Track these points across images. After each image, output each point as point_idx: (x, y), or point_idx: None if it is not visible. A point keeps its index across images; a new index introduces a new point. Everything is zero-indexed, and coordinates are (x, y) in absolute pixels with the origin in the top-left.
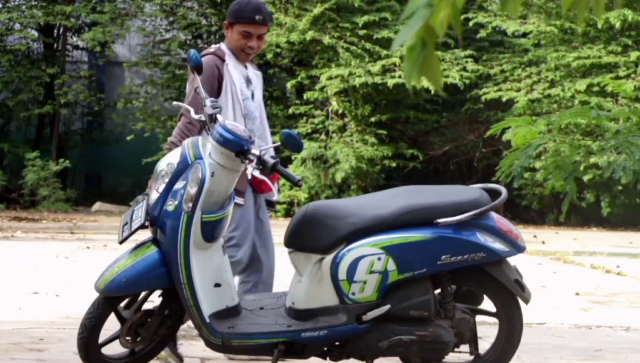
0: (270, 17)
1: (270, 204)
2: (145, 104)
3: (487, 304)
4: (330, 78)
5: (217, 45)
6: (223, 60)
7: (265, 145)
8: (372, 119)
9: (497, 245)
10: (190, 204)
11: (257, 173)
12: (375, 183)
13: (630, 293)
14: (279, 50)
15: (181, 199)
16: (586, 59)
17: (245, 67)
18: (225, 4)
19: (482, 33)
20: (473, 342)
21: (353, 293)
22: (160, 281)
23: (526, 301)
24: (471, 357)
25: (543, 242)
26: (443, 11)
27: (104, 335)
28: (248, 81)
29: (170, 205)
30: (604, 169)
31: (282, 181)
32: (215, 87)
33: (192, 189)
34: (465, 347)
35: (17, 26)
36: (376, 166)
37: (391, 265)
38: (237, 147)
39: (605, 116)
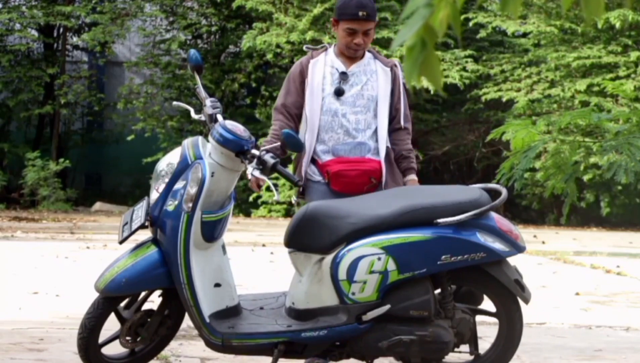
0: (375, 12)
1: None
2: (145, 104)
3: (487, 304)
4: None
5: (325, 45)
6: (307, 61)
7: (364, 141)
8: None
9: (497, 245)
10: (190, 204)
11: (257, 173)
12: None
13: (630, 293)
14: (279, 50)
15: (181, 199)
16: (586, 59)
17: (350, 62)
18: (225, 4)
19: (482, 33)
20: (473, 342)
21: (353, 293)
22: (160, 281)
23: (526, 301)
24: (471, 357)
25: (543, 242)
26: (443, 11)
27: (104, 335)
28: (343, 78)
29: (170, 205)
30: (604, 169)
31: (282, 181)
32: (300, 86)
33: (192, 189)
34: (465, 347)
35: (17, 26)
36: None
37: (391, 265)
38: (237, 147)
39: (605, 118)
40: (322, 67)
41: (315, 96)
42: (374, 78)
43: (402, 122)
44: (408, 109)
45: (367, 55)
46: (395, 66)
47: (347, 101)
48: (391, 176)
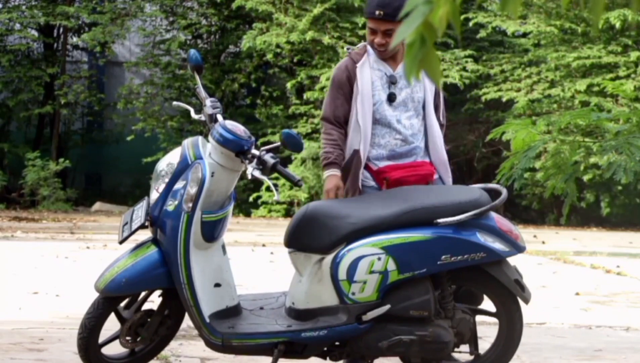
0: (397, 12)
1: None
2: (145, 104)
3: (487, 304)
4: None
5: (363, 44)
6: (355, 61)
7: (421, 155)
8: None
9: (497, 245)
10: (190, 204)
11: (257, 173)
12: None
13: (630, 293)
14: (279, 50)
15: (181, 199)
16: (586, 59)
17: (394, 63)
18: (225, 4)
19: (482, 33)
20: (473, 342)
21: (353, 293)
22: (160, 281)
23: (526, 301)
24: (471, 357)
25: (543, 242)
26: (442, 8)
27: (104, 335)
28: (392, 81)
29: (170, 205)
30: (604, 169)
31: (282, 181)
32: (348, 93)
33: (192, 189)
34: (465, 347)
35: (17, 26)
36: None
37: (391, 265)
38: (237, 147)
39: (605, 118)
40: (369, 72)
41: (366, 103)
42: (422, 77)
43: (442, 120)
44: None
45: None
46: None
47: (399, 105)
48: (446, 176)
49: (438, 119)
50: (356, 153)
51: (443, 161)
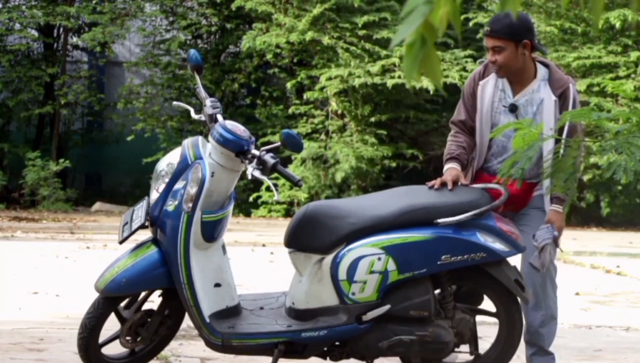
0: (508, 29)
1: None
2: (145, 104)
3: (487, 304)
4: (329, 78)
5: None
6: (479, 77)
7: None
8: (372, 119)
9: (497, 245)
10: (190, 204)
11: (257, 173)
12: (375, 183)
13: (630, 293)
14: (279, 50)
15: (181, 199)
16: (586, 59)
17: (518, 87)
18: (225, 4)
19: (482, 33)
20: (473, 342)
21: (353, 293)
22: (160, 281)
23: (526, 301)
24: (471, 357)
25: None
26: (443, 8)
27: (104, 335)
28: (511, 110)
29: (170, 205)
30: (603, 169)
31: (282, 181)
32: (471, 106)
33: (192, 189)
34: (465, 347)
35: (17, 26)
36: (376, 166)
37: (391, 265)
38: (237, 147)
39: (605, 118)
40: (492, 91)
41: (484, 124)
42: (540, 110)
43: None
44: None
45: (540, 75)
46: (568, 89)
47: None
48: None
49: None
50: (470, 167)
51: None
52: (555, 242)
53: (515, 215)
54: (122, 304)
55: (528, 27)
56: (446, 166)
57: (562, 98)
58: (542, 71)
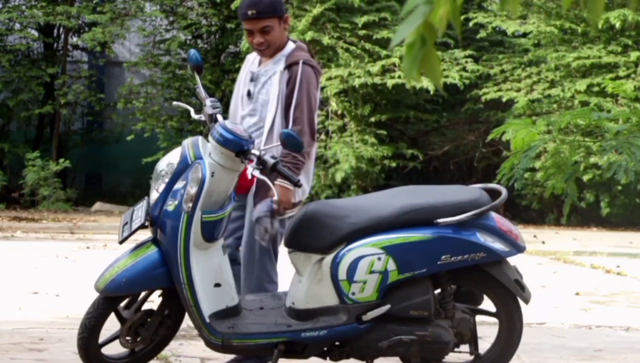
0: (271, 7)
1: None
2: (145, 104)
3: (487, 304)
4: (329, 78)
5: None
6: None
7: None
8: (372, 119)
9: (497, 245)
10: (190, 204)
11: (257, 173)
12: (375, 183)
13: (630, 293)
14: None
15: (181, 199)
16: (586, 59)
17: (259, 63)
18: (225, 4)
19: (482, 33)
20: (473, 342)
21: (353, 293)
22: (160, 281)
23: (526, 301)
24: (471, 357)
25: (543, 242)
26: (443, 8)
27: (104, 335)
28: (252, 79)
29: (170, 205)
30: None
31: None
32: None
33: (192, 189)
34: (465, 347)
35: (17, 26)
36: (376, 166)
37: (391, 265)
38: (237, 147)
39: (605, 118)
40: (250, 64)
41: (238, 93)
42: (271, 80)
43: (289, 126)
44: (302, 111)
45: (284, 50)
46: (297, 63)
47: (248, 103)
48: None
49: (288, 119)
50: None
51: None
52: (273, 215)
53: (247, 196)
54: (122, 304)
55: (283, 0)
56: None
57: (290, 71)
58: (289, 46)
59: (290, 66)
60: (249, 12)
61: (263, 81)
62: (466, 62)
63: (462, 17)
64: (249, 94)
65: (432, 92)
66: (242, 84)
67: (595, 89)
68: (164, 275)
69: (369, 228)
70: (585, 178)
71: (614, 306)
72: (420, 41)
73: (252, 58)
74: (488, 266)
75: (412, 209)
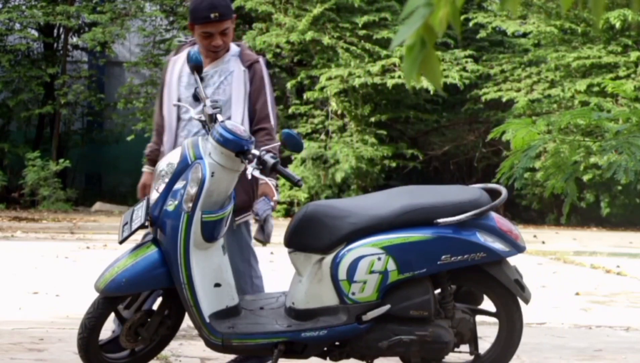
0: (229, 10)
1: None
2: (145, 104)
3: (487, 304)
4: (330, 78)
5: (192, 40)
6: (174, 55)
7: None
8: (372, 119)
9: (497, 245)
10: (190, 204)
11: (257, 173)
12: (375, 183)
13: (630, 293)
14: (278, 50)
15: (181, 199)
16: (586, 59)
17: (208, 62)
18: None
19: (482, 33)
20: (473, 342)
21: (353, 293)
22: (160, 281)
23: (526, 301)
24: (471, 357)
25: (543, 242)
26: (442, 10)
27: (104, 335)
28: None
29: (170, 205)
30: (604, 169)
31: (282, 181)
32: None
33: (192, 189)
34: (465, 347)
35: (17, 26)
36: (376, 166)
37: (391, 265)
38: (237, 147)
39: (605, 117)
40: (181, 65)
41: (172, 96)
42: (228, 80)
43: (260, 123)
44: (270, 108)
45: (232, 51)
46: (258, 62)
47: (199, 106)
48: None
49: (257, 123)
50: (163, 144)
51: None
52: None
53: None
54: (122, 304)
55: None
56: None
57: (252, 70)
58: (234, 48)
59: (251, 65)
60: (212, 15)
61: (217, 81)
62: (466, 62)
63: (462, 17)
64: (197, 96)
65: (432, 92)
66: (173, 88)
67: (595, 89)
68: (164, 275)
69: (369, 228)
70: (585, 178)
71: (614, 306)
72: (420, 43)
73: (181, 61)
74: (488, 266)
75: (412, 209)
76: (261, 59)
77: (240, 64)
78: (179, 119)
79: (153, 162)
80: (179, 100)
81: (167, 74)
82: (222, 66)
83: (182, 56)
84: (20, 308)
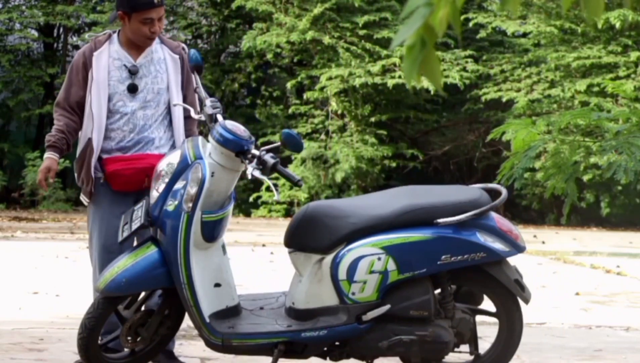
0: None
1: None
2: None
3: (487, 304)
4: (330, 78)
5: (107, 32)
6: (95, 49)
7: (156, 152)
8: (372, 119)
9: (497, 245)
10: (190, 204)
11: (257, 173)
12: (375, 183)
13: (630, 293)
14: (279, 50)
15: (181, 199)
16: (586, 59)
17: (136, 53)
18: (225, 3)
19: (482, 33)
20: (473, 342)
21: (353, 293)
22: (160, 281)
23: (526, 301)
24: (471, 357)
25: (543, 242)
26: (442, 10)
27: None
28: (131, 72)
29: (170, 205)
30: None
31: (282, 181)
32: (83, 79)
33: (192, 189)
34: (465, 347)
35: (17, 26)
36: (376, 166)
37: (391, 265)
38: (237, 147)
39: (605, 118)
40: (107, 60)
41: (102, 93)
42: (163, 68)
43: (192, 112)
44: (196, 97)
45: (154, 41)
46: (184, 49)
47: (138, 96)
48: None
49: (188, 111)
50: (89, 141)
51: None
52: None
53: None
54: (122, 304)
55: None
56: (45, 155)
57: (181, 58)
58: None
59: (179, 53)
60: (156, 1)
61: (152, 71)
62: (466, 62)
63: (462, 17)
64: (133, 88)
65: (432, 92)
66: (102, 84)
67: (595, 89)
68: (164, 275)
69: (369, 228)
70: (585, 178)
71: (614, 306)
72: (420, 43)
73: (106, 56)
74: (488, 266)
75: (412, 209)
76: (183, 46)
77: (169, 51)
78: (109, 111)
79: (58, 149)
80: (113, 95)
81: (94, 70)
82: (153, 55)
83: (105, 50)
84: (20, 308)
